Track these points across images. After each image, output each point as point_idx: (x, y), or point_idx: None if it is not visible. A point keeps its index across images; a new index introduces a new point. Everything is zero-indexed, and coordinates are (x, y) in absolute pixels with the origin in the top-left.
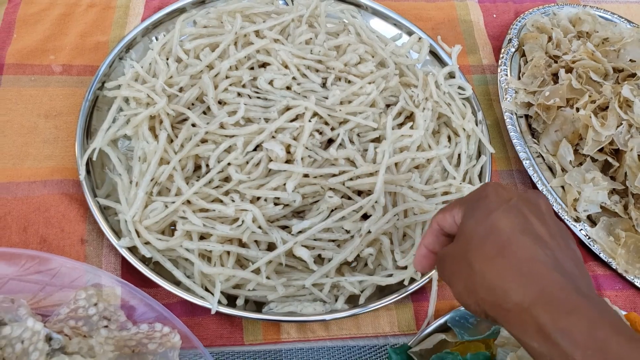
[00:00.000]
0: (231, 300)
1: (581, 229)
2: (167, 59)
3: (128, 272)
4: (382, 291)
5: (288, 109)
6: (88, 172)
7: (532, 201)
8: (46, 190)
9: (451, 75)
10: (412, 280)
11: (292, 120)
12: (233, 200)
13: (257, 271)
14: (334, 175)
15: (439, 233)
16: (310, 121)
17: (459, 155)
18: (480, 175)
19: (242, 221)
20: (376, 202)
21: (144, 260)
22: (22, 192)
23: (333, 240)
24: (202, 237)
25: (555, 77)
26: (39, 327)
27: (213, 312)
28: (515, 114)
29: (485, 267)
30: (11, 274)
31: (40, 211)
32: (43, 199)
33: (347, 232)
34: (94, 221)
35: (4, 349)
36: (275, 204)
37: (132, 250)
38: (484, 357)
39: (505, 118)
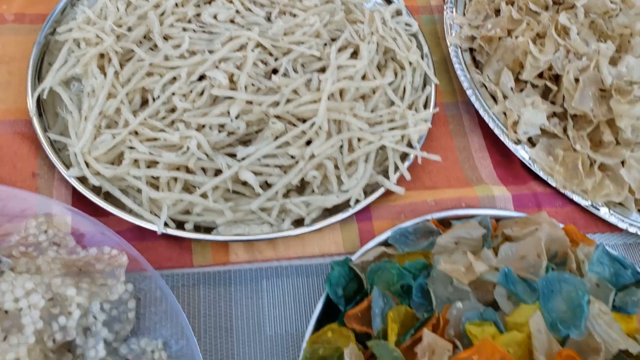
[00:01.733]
0: (181, 227)
1: (520, 149)
2: (117, 2)
3: (79, 202)
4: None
5: (231, 39)
6: (40, 114)
7: None
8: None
9: (398, 13)
10: (357, 202)
11: (235, 52)
12: (178, 129)
13: (204, 197)
14: (279, 103)
15: None
16: (253, 51)
17: (405, 87)
18: (425, 105)
19: (187, 148)
20: (319, 127)
21: (95, 192)
22: None
23: (279, 167)
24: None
25: (497, 12)
26: None
27: (159, 232)
28: (460, 47)
29: None
30: None
31: None
32: None
33: (292, 157)
34: (45, 156)
35: None
36: (220, 132)
37: (83, 182)
38: (421, 264)
39: (450, 52)
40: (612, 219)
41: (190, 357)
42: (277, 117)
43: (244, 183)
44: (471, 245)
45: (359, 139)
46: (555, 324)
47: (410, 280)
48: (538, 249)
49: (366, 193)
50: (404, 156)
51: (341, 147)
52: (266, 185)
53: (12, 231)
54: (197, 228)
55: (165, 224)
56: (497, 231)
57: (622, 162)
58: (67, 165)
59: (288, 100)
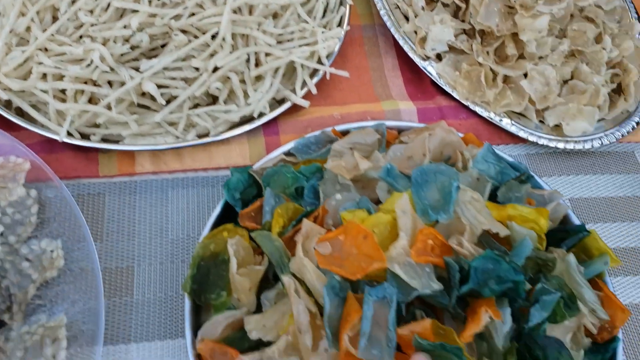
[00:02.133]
0: (88, 139)
1: (429, 65)
2: None
3: None
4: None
5: None
6: None
7: None
8: None
9: None
10: (262, 115)
11: None
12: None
13: (109, 109)
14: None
15: None
16: None
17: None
18: (339, 24)
19: (92, 61)
20: (223, 39)
21: (7, 109)
22: None
23: (185, 80)
24: None
25: None
26: None
27: (61, 140)
28: None
29: None
30: None
31: None
32: None
33: (197, 70)
34: None
35: None
36: (125, 42)
37: None
38: (315, 168)
39: None
40: (513, 128)
41: (87, 258)
42: (183, 31)
43: (152, 98)
44: (366, 150)
45: (267, 55)
46: (426, 210)
47: (304, 182)
48: (423, 149)
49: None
50: (314, 74)
51: (248, 61)
52: (173, 99)
53: None
54: (105, 141)
55: (71, 135)
56: (396, 141)
57: (525, 75)
58: None
59: (193, 14)
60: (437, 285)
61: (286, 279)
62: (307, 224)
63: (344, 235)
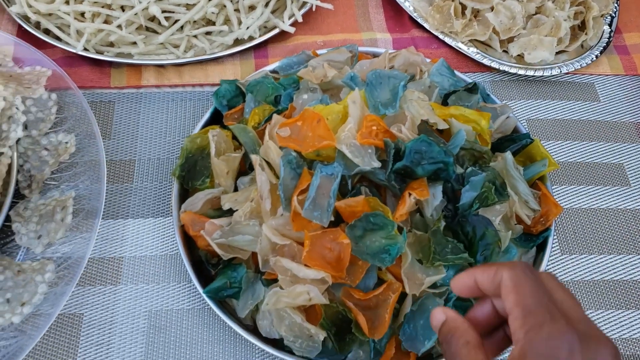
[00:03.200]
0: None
1: (406, 1)
2: None
3: (23, 38)
4: None
5: None
6: None
7: None
8: None
9: None
10: (253, 39)
11: None
12: None
13: (121, 29)
14: None
15: (496, 287)
16: None
17: None
18: None
19: None
20: None
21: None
22: None
23: (186, 7)
24: None
25: None
26: None
27: (77, 51)
28: None
29: None
30: None
31: None
32: None
33: None
34: None
35: None
36: None
37: (26, 22)
38: (293, 79)
39: None
40: (478, 57)
41: (95, 151)
42: None
43: (159, 23)
44: (338, 66)
45: None
46: (377, 106)
47: (282, 91)
48: (386, 63)
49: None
50: (302, 7)
51: None
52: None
53: None
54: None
55: (87, 51)
56: None
57: (492, 9)
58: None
59: None
60: (376, 163)
61: (254, 156)
62: (276, 117)
63: (301, 121)
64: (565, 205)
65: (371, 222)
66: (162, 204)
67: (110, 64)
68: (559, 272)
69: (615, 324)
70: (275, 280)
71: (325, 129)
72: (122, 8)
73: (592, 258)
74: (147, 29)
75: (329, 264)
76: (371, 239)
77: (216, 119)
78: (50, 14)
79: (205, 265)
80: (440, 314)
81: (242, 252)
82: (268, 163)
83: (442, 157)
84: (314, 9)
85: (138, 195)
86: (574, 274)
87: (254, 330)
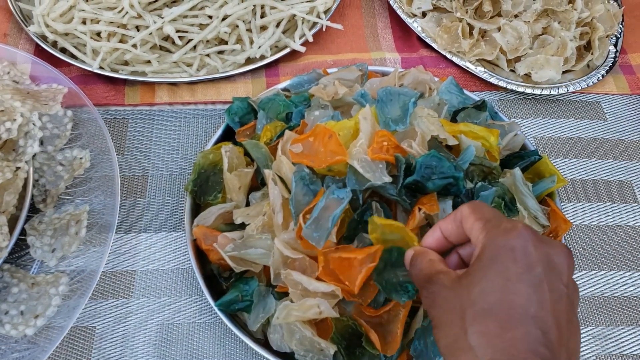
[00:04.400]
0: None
1: (414, 22)
2: None
3: (40, 57)
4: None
5: None
6: None
7: (556, 271)
8: None
9: None
10: (264, 58)
11: None
12: None
13: (135, 48)
14: None
15: (459, 225)
16: None
17: None
18: None
19: (122, 8)
20: None
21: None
22: None
23: (199, 26)
24: None
25: None
26: None
27: (93, 69)
28: None
29: (481, 343)
30: None
31: None
32: None
33: (210, 17)
34: (15, 21)
35: None
36: None
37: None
38: (304, 97)
39: None
40: (486, 75)
41: (109, 166)
42: None
43: (172, 43)
44: (348, 84)
45: (272, 8)
46: (388, 122)
47: (293, 108)
48: (395, 81)
49: None
50: (313, 27)
51: (255, 13)
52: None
53: None
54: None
55: (103, 69)
56: None
57: (499, 29)
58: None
59: None
60: (387, 178)
61: (267, 171)
62: (288, 133)
63: (313, 137)
64: (574, 221)
65: (394, 256)
66: (174, 218)
67: (125, 81)
68: None
69: (626, 341)
70: (287, 294)
71: (337, 144)
72: (137, 28)
73: (601, 274)
74: (161, 48)
75: (342, 280)
76: (389, 274)
77: (228, 135)
78: (66, 34)
79: (218, 278)
80: (409, 251)
81: (254, 265)
82: (280, 178)
83: (453, 172)
84: (324, 29)
85: (151, 210)
86: (584, 290)
87: (264, 343)
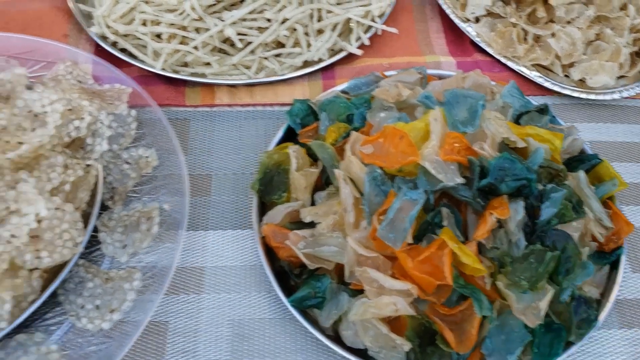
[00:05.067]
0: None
1: (468, 27)
2: None
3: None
4: None
5: None
6: None
7: None
8: (40, 4)
9: None
10: (321, 61)
11: None
12: None
13: (196, 50)
14: None
15: None
16: None
17: None
18: None
19: (184, 11)
20: None
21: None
22: (21, 5)
23: (259, 29)
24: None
25: None
26: (22, 71)
27: (157, 70)
28: None
29: None
30: (11, 52)
31: (36, 19)
32: (38, 10)
33: (269, 21)
34: (74, 22)
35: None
36: None
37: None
38: (364, 99)
39: None
40: (540, 80)
41: (176, 166)
42: None
43: (231, 45)
44: (409, 87)
45: (328, 12)
46: (456, 124)
47: (354, 110)
48: (459, 82)
49: None
50: (367, 31)
51: (312, 17)
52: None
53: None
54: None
55: (164, 70)
56: None
57: (553, 35)
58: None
59: None
60: (459, 179)
61: (337, 170)
62: (355, 134)
63: (383, 138)
64: (635, 224)
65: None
66: (239, 216)
67: (185, 83)
68: (631, 291)
69: None
70: (360, 291)
71: (408, 145)
72: (197, 30)
73: None
74: (219, 50)
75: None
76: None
77: (288, 136)
78: (126, 35)
79: (289, 275)
80: None
81: (326, 263)
82: (349, 178)
83: (526, 173)
84: (379, 32)
85: (216, 208)
86: None
87: (335, 339)
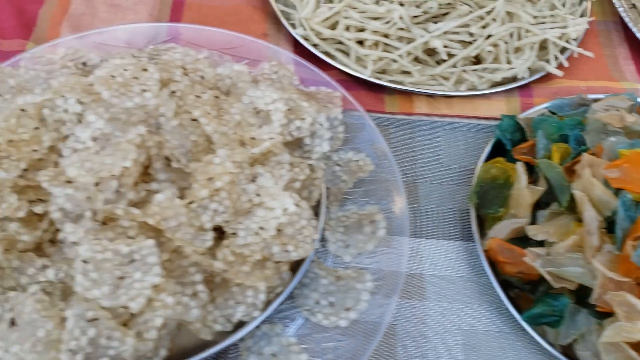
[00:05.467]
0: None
1: None
2: None
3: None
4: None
5: None
6: None
7: None
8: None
9: None
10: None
11: None
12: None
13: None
14: None
15: None
16: None
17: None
18: (581, 16)
19: (391, 19)
20: (497, 14)
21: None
22: (218, 0)
23: (461, 43)
24: None
25: None
26: (243, 68)
27: (367, 77)
28: None
29: None
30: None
31: (232, 14)
32: (235, 6)
33: (471, 35)
34: (273, 21)
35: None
36: (417, 7)
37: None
38: (577, 120)
39: None
40: None
41: (389, 171)
42: (464, 3)
43: (429, 55)
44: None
45: (526, 31)
46: None
47: (567, 131)
48: None
49: None
50: (562, 52)
51: (512, 35)
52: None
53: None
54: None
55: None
56: None
57: None
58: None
59: None
60: None
61: (578, 192)
62: (587, 156)
63: (628, 164)
64: None
65: None
66: (451, 227)
67: (383, 90)
68: None
69: None
70: (605, 314)
71: None
72: (399, 38)
73: None
74: (418, 60)
75: None
76: None
77: (492, 152)
78: (325, 38)
79: (522, 290)
80: None
81: (568, 283)
82: None
83: None
84: (575, 55)
85: (426, 216)
86: None
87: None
